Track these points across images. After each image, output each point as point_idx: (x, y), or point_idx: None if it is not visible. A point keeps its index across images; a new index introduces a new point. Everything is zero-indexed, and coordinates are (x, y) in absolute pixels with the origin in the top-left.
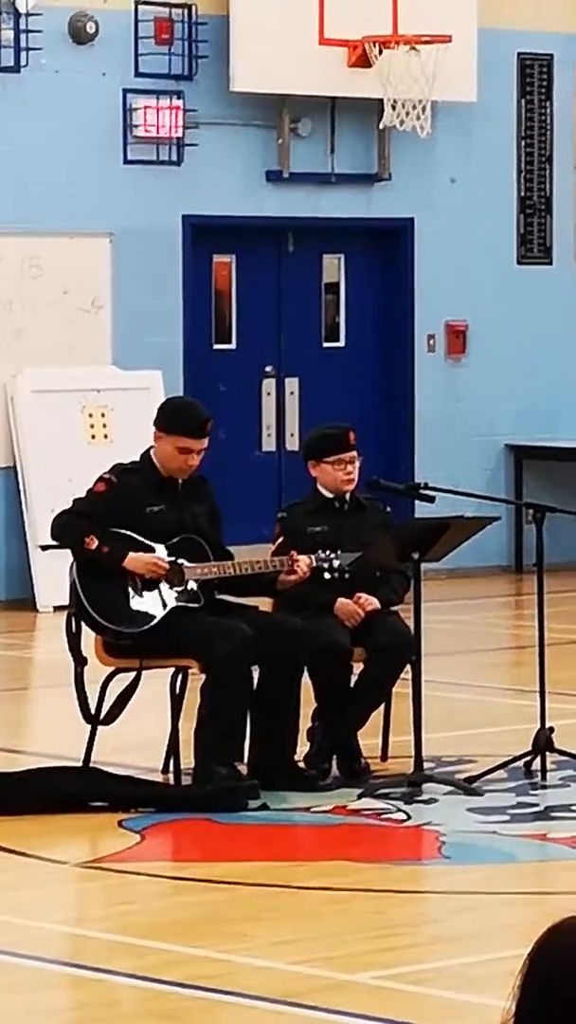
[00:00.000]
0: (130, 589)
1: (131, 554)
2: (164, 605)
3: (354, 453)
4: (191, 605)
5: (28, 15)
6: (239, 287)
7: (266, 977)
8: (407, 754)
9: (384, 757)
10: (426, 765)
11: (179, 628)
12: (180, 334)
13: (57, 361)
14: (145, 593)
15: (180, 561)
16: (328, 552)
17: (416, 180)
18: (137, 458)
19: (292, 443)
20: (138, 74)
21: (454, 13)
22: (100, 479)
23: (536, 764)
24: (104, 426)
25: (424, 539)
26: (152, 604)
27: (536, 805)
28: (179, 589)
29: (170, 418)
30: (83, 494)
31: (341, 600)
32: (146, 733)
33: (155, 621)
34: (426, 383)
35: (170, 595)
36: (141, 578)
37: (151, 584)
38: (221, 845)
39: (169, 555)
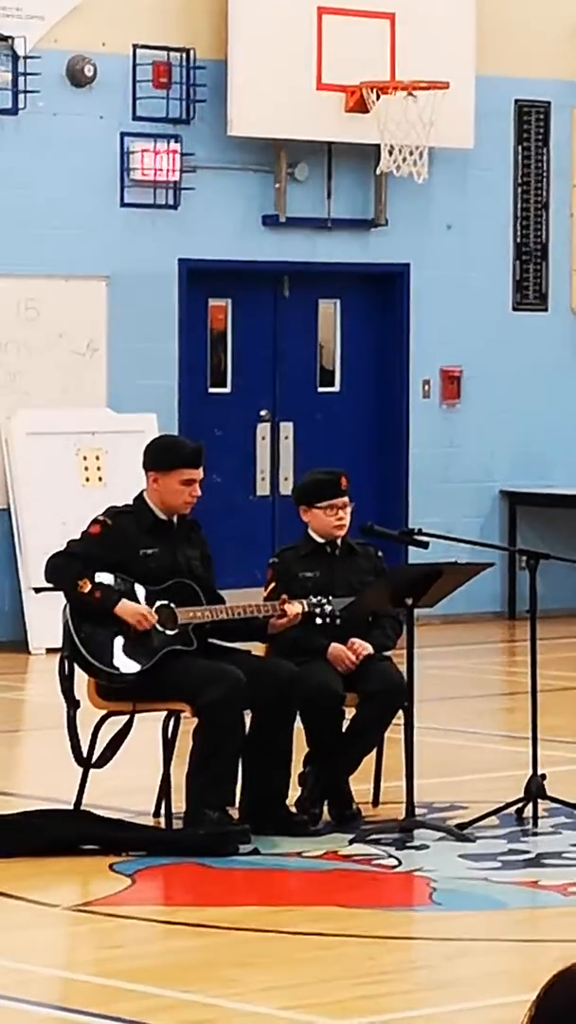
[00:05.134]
0: (121, 636)
1: (122, 602)
2: (153, 654)
3: (346, 499)
4: (184, 648)
5: (26, 58)
6: (235, 331)
7: (256, 1022)
8: (399, 800)
9: (376, 802)
10: (418, 811)
11: (172, 672)
12: (175, 377)
13: (52, 403)
14: (136, 641)
15: (171, 605)
16: (320, 598)
17: (412, 226)
18: (131, 501)
19: (286, 487)
20: (136, 117)
21: (452, 60)
22: (95, 521)
23: (528, 811)
24: (99, 469)
25: (417, 585)
26: (141, 652)
27: (527, 852)
28: (172, 632)
29: (165, 455)
30: (78, 536)
31: (334, 645)
32: (138, 777)
33: (147, 665)
34: (421, 428)
35: (159, 643)
36: (131, 626)
37: (142, 632)
38: (212, 889)
39: (158, 599)
